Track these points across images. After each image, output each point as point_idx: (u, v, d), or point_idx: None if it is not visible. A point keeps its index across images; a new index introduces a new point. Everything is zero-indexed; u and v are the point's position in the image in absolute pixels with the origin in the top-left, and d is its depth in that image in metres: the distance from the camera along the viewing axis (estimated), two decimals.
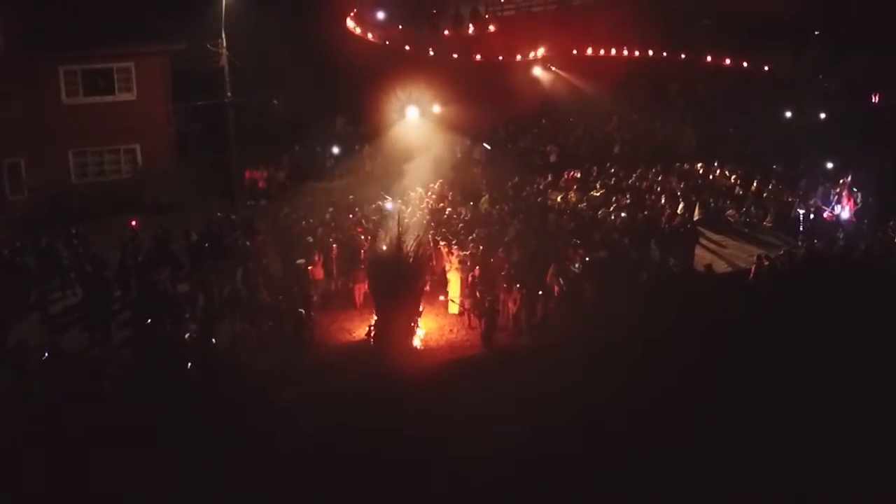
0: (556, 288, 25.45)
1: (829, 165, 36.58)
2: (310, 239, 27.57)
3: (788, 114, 44.31)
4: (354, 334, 25.05)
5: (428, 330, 25.16)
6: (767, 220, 32.97)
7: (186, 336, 22.28)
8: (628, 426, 20.27)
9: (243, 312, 23.86)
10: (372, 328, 24.29)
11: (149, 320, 22.92)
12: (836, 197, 32.98)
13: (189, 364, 21.29)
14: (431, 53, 42.55)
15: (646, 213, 30.89)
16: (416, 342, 24.45)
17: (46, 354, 20.77)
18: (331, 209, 30.49)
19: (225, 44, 32.47)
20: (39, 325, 23.94)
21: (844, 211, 32.54)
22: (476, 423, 19.76)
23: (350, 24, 45.17)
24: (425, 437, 19.68)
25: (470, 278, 25.82)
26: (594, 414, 20.64)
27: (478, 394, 21.59)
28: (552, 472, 18.67)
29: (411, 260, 24.16)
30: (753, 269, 27.24)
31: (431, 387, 22.37)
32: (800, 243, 30.13)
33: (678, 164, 37.33)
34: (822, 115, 44.31)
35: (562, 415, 20.58)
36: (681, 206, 31.62)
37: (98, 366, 20.99)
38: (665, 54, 49.54)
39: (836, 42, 49.84)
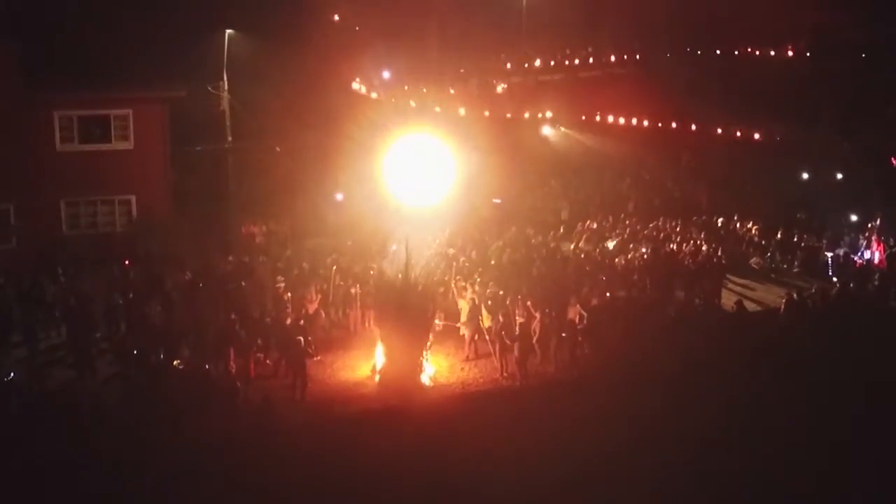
0: (579, 323, 23.83)
1: (854, 218, 35.18)
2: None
3: (805, 175, 43.24)
4: (357, 371, 23.36)
5: (438, 368, 23.51)
6: (795, 266, 31.43)
7: (176, 362, 20.56)
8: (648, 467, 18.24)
9: (238, 345, 22.15)
10: (376, 364, 22.72)
11: (136, 352, 21.29)
12: (865, 242, 31.47)
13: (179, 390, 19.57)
14: (437, 110, 41.93)
15: (670, 246, 29.46)
16: (425, 379, 22.66)
17: (12, 374, 19.26)
18: (333, 255, 29.04)
19: (226, 87, 31.37)
20: (21, 363, 22.19)
21: (874, 256, 30.95)
22: (486, 458, 18.13)
23: (355, 85, 44.72)
24: (431, 472, 17.84)
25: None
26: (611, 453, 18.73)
27: (490, 428, 19.85)
28: None
29: (420, 289, 22.65)
30: (783, 305, 25.54)
31: (441, 420, 20.58)
32: (835, 280, 28.48)
33: (696, 218, 36.01)
34: (840, 176, 43.15)
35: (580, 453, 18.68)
36: (704, 248, 30.18)
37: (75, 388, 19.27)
38: (675, 125, 49.06)
39: (848, 114, 49.35)
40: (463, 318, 24.70)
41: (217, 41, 32.33)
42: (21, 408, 18.92)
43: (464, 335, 24.88)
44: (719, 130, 49.27)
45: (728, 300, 27.41)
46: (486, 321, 24.05)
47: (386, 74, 46.05)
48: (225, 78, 31.73)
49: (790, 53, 60.88)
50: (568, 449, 18.68)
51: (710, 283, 27.55)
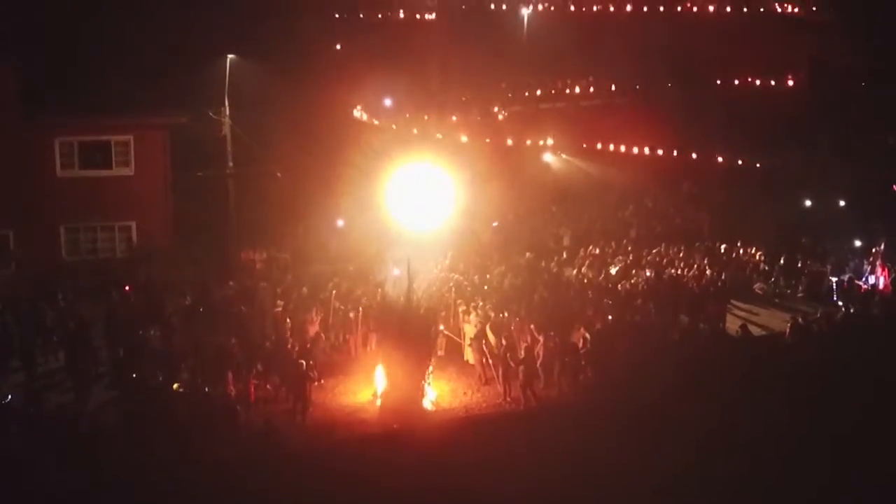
0: (583, 346, 23.61)
1: (858, 243, 34.97)
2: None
3: (808, 202, 43.07)
4: (358, 396, 23.14)
5: (440, 392, 23.29)
6: (799, 290, 31.26)
7: (176, 386, 20.34)
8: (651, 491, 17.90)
9: (236, 369, 21.92)
10: (377, 388, 22.54)
11: (135, 375, 21.13)
12: (870, 267, 31.28)
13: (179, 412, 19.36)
14: (440, 137, 41.95)
15: (672, 272, 29.27)
16: (427, 403, 22.40)
17: (10, 397, 19.12)
18: (335, 279, 28.86)
19: (228, 112, 31.26)
20: (18, 387, 21.93)
21: (879, 281, 30.74)
22: (489, 483, 17.79)
23: (356, 112, 44.80)
24: (433, 497, 17.66)
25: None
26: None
27: (493, 453, 19.41)
28: None
29: (421, 312, 22.45)
30: (788, 329, 25.31)
31: (443, 445, 20.29)
32: (840, 304, 28.28)
33: (699, 244, 35.82)
34: (842, 203, 42.97)
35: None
36: (708, 272, 30.01)
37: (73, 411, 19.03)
38: (675, 153, 49.03)
39: (849, 141, 49.31)
40: (467, 342, 24.55)
41: (219, 66, 32.24)
42: (18, 431, 18.66)
43: (467, 360, 24.78)
44: (720, 159, 49.23)
45: (732, 325, 27.17)
46: (493, 345, 23.85)
47: (388, 102, 46.19)
48: (226, 103, 31.54)
49: (790, 83, 61.05)
50: (571, 473, 18.42)
51: (715, 308, 27.33)
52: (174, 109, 33.05)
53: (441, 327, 24.86)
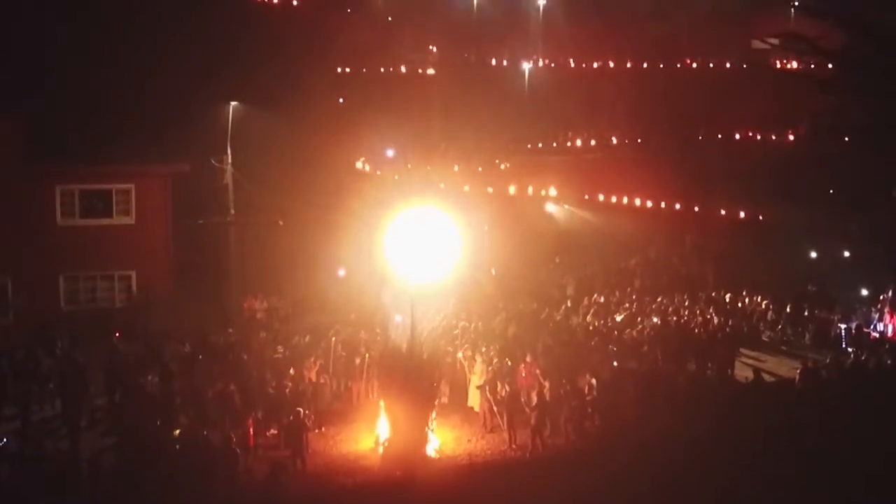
0: (589, 393, 23.21)
1: (864, 292, 34.72)
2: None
3: (813, 253, 42.98)
4: (360, 444, 22.71)
5: (444, 439, 22.81)
6: (807, 338, 30.98)
7: (176, 432, 19.93)
8: None
9: (234, 414, 21.55)
10: (380, 435, 22.04)
11: (132, 421, 20.75)
12: (878, 314, 31.01)
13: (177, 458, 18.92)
14: (442, 186, 41.88)
15: (679, 319, 28.96)
16: (431, 451, 21.92)
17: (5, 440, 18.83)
18: (336, 326, 28.53)
19: (230, 160, 31.17)
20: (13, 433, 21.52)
21: (888, 328, 30.44)
22: None
23: (359, 164, 44.94)
24: None
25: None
26: None
27: (498, 499, 18.91)
28: None
29: (424, 356, 22.07)
30: (799, 375, 24.90)
31: (447, 494, 19.72)
32: (849, 350, 27.92)
33: (702, 294, 35.58)
34: (847, 254, 42.83)
35: None
36: (715, 320, 29.74)
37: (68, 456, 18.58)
38: (678, 206, 49.04)
39: (853, 194, 49.25)
40: (472, 388, 24.16)
41: (221, 114, 32.27)
42: (13, 473, 18.19)
43: (471, 406, 24.34)
44: (723, 211, 49.24)
45: (741, 371, 26.85)
46: (500, 391, 23.41)
47: (390, 153, 46.38)
48: (229, 151, 31.47)
49: (790, 137, 61.22)
50: None
51: (723, 354, 26.97)
52: (176, 157, 32.82)
53: (459, 355, 24.60)
